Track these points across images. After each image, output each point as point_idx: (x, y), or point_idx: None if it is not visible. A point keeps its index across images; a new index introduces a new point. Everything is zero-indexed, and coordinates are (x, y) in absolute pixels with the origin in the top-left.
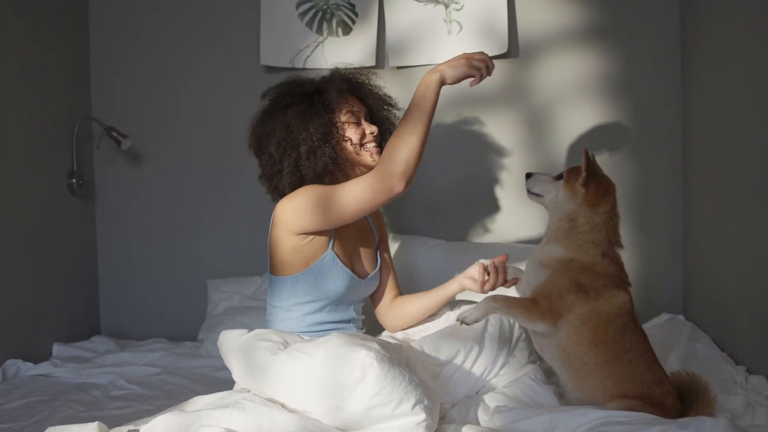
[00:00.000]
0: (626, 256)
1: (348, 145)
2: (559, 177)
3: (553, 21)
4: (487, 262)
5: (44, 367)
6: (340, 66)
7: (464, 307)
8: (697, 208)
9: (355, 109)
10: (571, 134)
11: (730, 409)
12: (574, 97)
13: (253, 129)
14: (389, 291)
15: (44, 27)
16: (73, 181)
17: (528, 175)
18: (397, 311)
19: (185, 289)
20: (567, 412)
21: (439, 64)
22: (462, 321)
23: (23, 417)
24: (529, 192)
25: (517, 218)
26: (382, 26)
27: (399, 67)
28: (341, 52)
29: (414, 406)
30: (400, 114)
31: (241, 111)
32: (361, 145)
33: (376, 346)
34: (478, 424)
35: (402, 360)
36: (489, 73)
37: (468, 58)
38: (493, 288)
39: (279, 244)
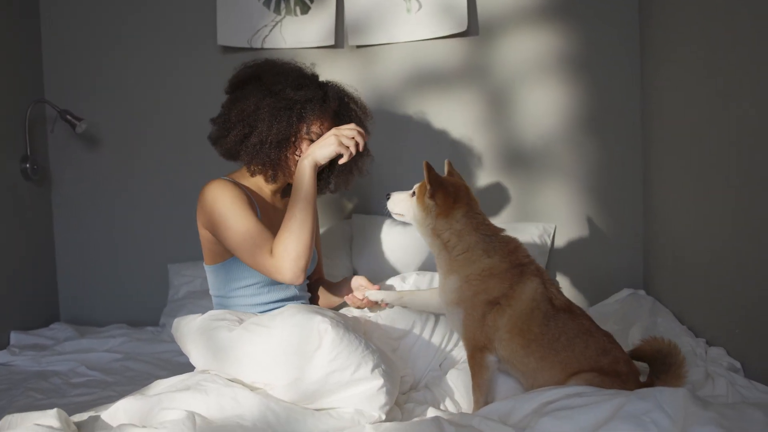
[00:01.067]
0: (589, 232)
1: (295, 157)
2: (413, 194)
3: None
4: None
5: (2, 356)
6: (300, 50)
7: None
8: (657, 184)
9: (322, 132)
10: (531, 113)
11: (691, 380)
12: (534, 76)
13: (238, 72)
14: (315, 273)
15: None
16: (27, 165)
17: (387, 196)
18: (313, 295)
19: (145, 273)
20: (526, 395)
21: (308, 150)
22: None
23: None
24: (392, 213)
25: (480, 195)
26: (341, 5)
27: (358, 46)
28: (300, 31)
29: (372, 369)
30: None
31: (197, 92)
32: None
33: (330, 313)
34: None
35: (358, 330)
36: (359, 149)
37: (337, 135)
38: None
39: (201, 234)
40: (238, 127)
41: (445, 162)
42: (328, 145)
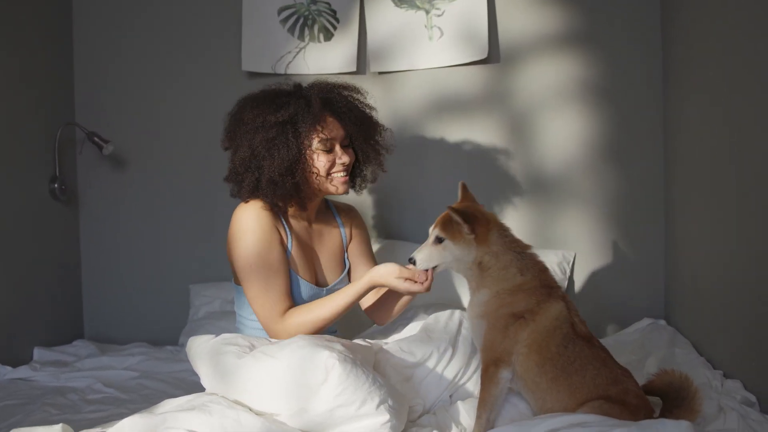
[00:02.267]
0: (609, 260)
1: (313, 177)
2: (438, 240)
3: (534, 26)
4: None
5: (23, 371)
6: (322, 76)
7: None
8: (679, 214)
9: (330, 135)
10: (552, 140)
11: (704, 412)
12: (555, 103)
13: (226, 125)
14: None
15: (27, 32)
16: (56, 186)
17: (412, 260)
18: (377, 309)
19: (167, 293)
20: (534, 419)
21: (379, 272)
22: None
23: None
24: (428, 271)
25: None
26: (364, 32)
27: (380, 73)
28: (323, 57)
29: (378, 405)
30: (386, 134)
31: (223, 116)
32: (329, 174)
33: (339, 347)
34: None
35: (369, 362)
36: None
37: (408, 283)
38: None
39: (230, 254)
40: (248, 176)
41: (459, 184)
42: (393, 281)
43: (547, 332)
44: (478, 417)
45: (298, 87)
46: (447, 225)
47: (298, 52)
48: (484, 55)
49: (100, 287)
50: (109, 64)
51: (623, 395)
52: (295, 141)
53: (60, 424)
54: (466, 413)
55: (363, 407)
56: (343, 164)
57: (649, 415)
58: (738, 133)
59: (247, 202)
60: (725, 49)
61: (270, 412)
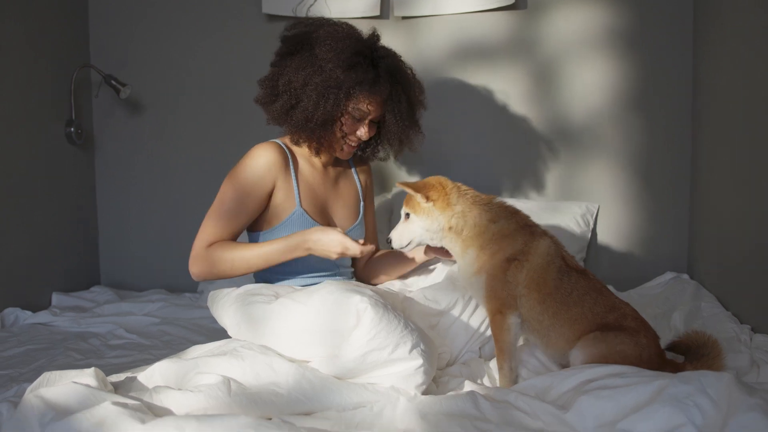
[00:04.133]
0: (633, 213)
1: (338, 132)
2: (407, 216)
3: None
4: None
5: (43, 316)
6: (346, 20)
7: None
8: (706, 166)
9: (369, 109)
10: (578, 89)
11: (735, 366)
12: (582, 52)
13: (291, 35)
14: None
15: None
16: (72, 129)
17: (388, 240)
18: (372, 266)
19: (184, 240)
20: (565, 372)
21: (315, 243)
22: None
23: (21, 364)
24: (402, 248)
25: (523, 172)
26: None
27: (404, 17)
28: (345, 1)
29: (411, 350)
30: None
31: (241, 59)
32: (345, 136)
33: (369, 291)
34: (479, 380)
35: (398, 307)
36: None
37: (341, 253)
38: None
39: None
40: (284, 98)
41: (397, 184)
42: (328, 254)
43: (542, 268)
44: (500, 368)
45: (374, 49)
46: (409, 200)
47: None
48: (511, 1)
49: (117, 233)
50: (126, 6)
51: (620, 320)
52: (344, 101)
53: (92, 368)
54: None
55: (396, 351)
56: (359, 138)
57: (650, 336)
58: None
59: (270, 122)
60: None
61: (301, 359)
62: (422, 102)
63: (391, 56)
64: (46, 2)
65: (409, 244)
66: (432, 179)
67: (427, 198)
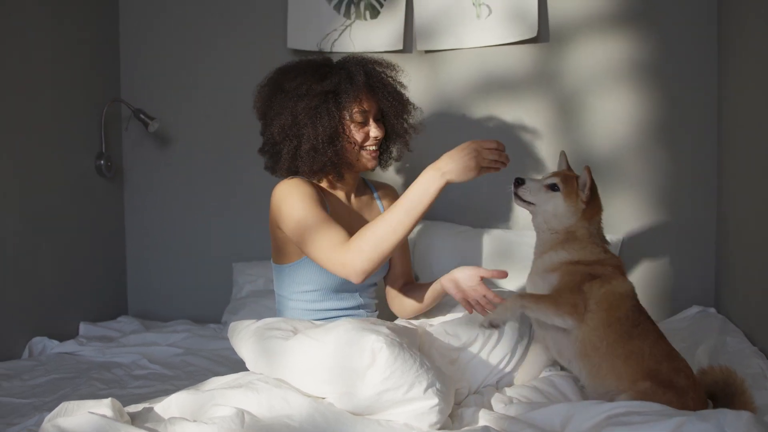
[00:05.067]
0: (658, 245)
1: (351, 147)
2: (552, 187)
3: (585, 4)
4: (486, 273)
5: (69, 345)
6: (364, 53)
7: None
8: (731, 199)
9: (365, 107)
10: (602, 121)
11: (759, 404)
12: (605, 83)
13: (259, 96)
14: (399, 278)
15: (73, 9)
16: (102, 162)
17: (520, 181)
18: (402, 300)
19: (211, 271)
20: (585, 402)
21: (445, 161)
22: (490, 323)
23: (46, 393)
24: (518, 198)
25: None
26: (410, 10)
27: (427, 51)
28: (369, 36)
29: (426, 389)
30: (415, 113)
31: None
32: (362, 147)
33: (385, 330)
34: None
35: (414, 344)
36: (505, 164)
37: (477, 156)
38: (471, 300)
39: (273, 232)
40: (286, 143)
41: (561, 153)
42: (469, 170)
43: (620, 296)
44: (520, 297)
45: (335, 61)
46: (568, 180)
47: (344, 30)
48: (533, 34)
49: (144, 264)
50: (155, 41)
51: (674, 374)
52: (337, 111)
53: (109, 399)
54: (499, 396)
55: (411, 391)
56: (375, 138)
57: (697, 398)
58: None
59: (285, 177)
60: None
61: (316, 396)
62: (401, 82)
63: (351, 57)
64: (79, 39)
65: (527, 203)
66: (598, 194)
67: (588, 201)
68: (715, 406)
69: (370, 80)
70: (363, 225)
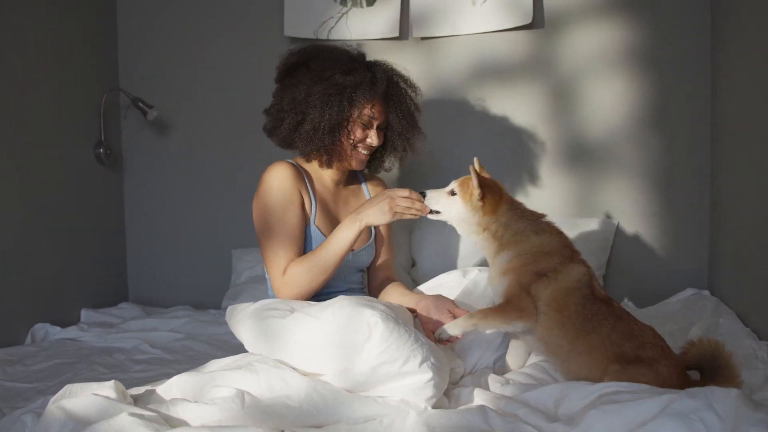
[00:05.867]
0: (653, 230)
1: (348, 143)
2: (452, 192)
3: None
4: (457, 312)
5: (71, 331)
6: (365, 42)
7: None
8: (725, 183)
9: (374, 114)
10: (596, 107)
11: (749, 383)
12: (600, 69)
13: (286, 60)
14: (379, 269)
15: None
16: (101, 150)
17: (423, 194)
18: (383, 296)
19: (210, 258)
20: (577, 383)
21: (364, 207)
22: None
23: (48, 378)
24: (429, 212)
25: (542, 190)
26: None
27: (423, 38)
28: (365, 23)
29: (421, 363)
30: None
31: (264, 81)
32: (355, 145)
33: (381, 306)
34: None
35: (409, 322)
36: (421, 213)
37: (391, 203)
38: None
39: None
40: (291, 115)
41: (474, 160)
42: (383, 213)
43: (567, 292)
44: (470, 317)
45: (363, 58)
46: (465, 184)
47: (340, 18)
48: (528, 21)
49: (144, 251)
50: (153, 30)
51: (639, 349)
52: (348, 106)
53: (113, 381)
54: (494, 377)
55: (406, 365)
56: (370, 144)
57: (670, 364)
58: None
59: (279, 145)
60: None
61: (314, 372)
62: (418, 105)
63: (382, 63)
64: (77, 28)
65: (437, 213)
66: (497, 184)
67: (482, 198)
68: (702, 378)
69: (390, 90)
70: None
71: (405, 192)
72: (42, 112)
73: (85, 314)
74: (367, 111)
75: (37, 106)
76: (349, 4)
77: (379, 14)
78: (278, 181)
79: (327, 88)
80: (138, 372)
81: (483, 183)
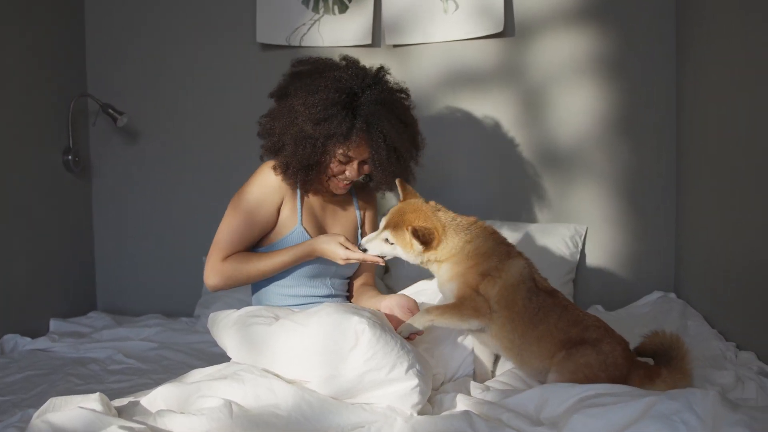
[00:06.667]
0: (620, 234)
1: (323, 177)
2: (387, 241)
3: (549, 0)
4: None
5: (42, 342)
6: (337, 49)
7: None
8: (690, 187)
9: (353, 155)
10: (565, 114)
11: (721, 383)
12: (569, 77)
13: (286, 74)
14: (361, 277)
15: (39, 4)
16: (69, 157)
17: (363, 249)
18: (356, 300)
19: (180, 265)
20: (558, 386)
21: (319, 251)
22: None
23: (22, 390)
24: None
25: (513, 196)
26: (379, 5)
27: (395, 46)
28: (337, 30)
29: (407, 370)
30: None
31: (236, 88)
32: (334, 176)
33: (367, 313)
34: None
35: (393, 329)
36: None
37: (345, 260)
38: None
39: None
40: (271, 140)
41: (397, 182)
42: (334, 260)
43: (513, 288)
44: (427, 312)
45: (358, 92)
46: (398, 232)
47: (312, 25)
48: (499, 29)
49: (113, 259)
50: (122, 35)
51: (583, 332)
52: (322, 149)
53: (97, 393)
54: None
55: (393, 371)
56: (347, 178)
57: (613, 342)
58: (752, 107)
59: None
60: (741, 19)
61: (300, 380)
62: (417, 143)
63: (380, 99)
64: (45, 33)
65: (382, 257)
66: (433, 224)
67: (426, 246)
68: (655, 364)
69: (373, 129)
70: (335, 220)
71: (343, 257)
72: (8, 119)
73: (54, 324)
74: (342, 152)
75: (3, 112)
76: (322, 11)
77: (352, 21)
78: (265, 179)
79: (301, 128)
80: (114, 383)
81: (419, 234)
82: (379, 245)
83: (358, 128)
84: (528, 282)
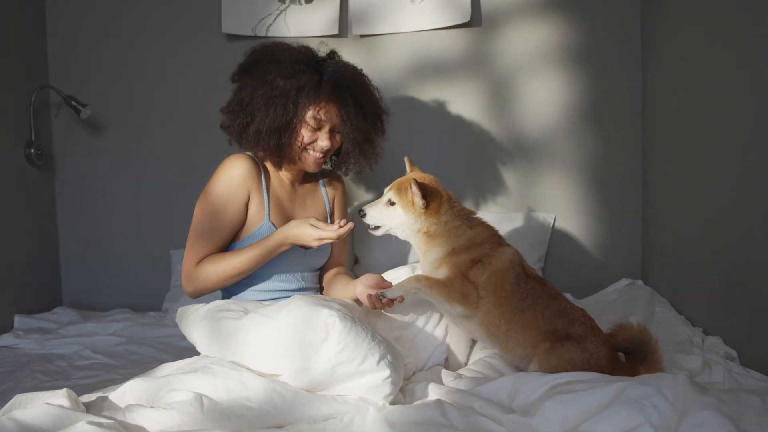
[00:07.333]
0: (588, 222)
1: (296, 145)
2: (391, 203)
3: None
4: (384, 285)
5: (6, 339)
6: (303, 39)
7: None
8: (656, 175)
9: (321, 116)
10: (533, 103)
11: (689, 368)
12: (536, 67)
13: (244, 58)
14: (333, 265)
15: None
16: (32, 151)
17: (362, 213)
18: (329, 289)
19: (148, 259)
20: (531, 375)
21: (292, 236)
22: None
23: None
24: (370, 228)
25: (481, 185)
26: None
27: (362, 36)
28: (304, 20)
29: (379, 361)
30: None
31: (202, 79)
32: (305, 148)
33: (337, 305)
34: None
35: (364, 320)
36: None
37: (319, 240)
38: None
39: None
40: (240, 117)
41: (405, 159)
42: (307, 243)
43: (502, 273)
44: (416, 279)
45: (320, 59)
46: (402, 191)
47: (278, 15)
48: (466, 19)
49: (78, 254)
50: (85, 25)
51: (569, 326)
52: (293, 108)
53: (65, 389)
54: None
55: (364, 363)
56: (321, 148)
57: (598, 341)
58: (716, 96)
59: (235, 141)
60: (705, 11)
61: (271, 373)
62: (381, 107)
63: (340, 65)
64: (3, 21)
65: (379, 228)
66: (431, 183)
67: (427, 205)
68: (628, 360)
69: (340, 95)
70: (304, 211)
71: (315, 236)
72: None
73: (18, 320)
74: (312, 113)
75: None
76: (288, 1)
77: (318, 11)
78: (229, 174)
79: (270, 90)
80: (82, 378)
81: (423, 188)
82: (380, 210)
83: (326, 82)
84: (517, 268)
